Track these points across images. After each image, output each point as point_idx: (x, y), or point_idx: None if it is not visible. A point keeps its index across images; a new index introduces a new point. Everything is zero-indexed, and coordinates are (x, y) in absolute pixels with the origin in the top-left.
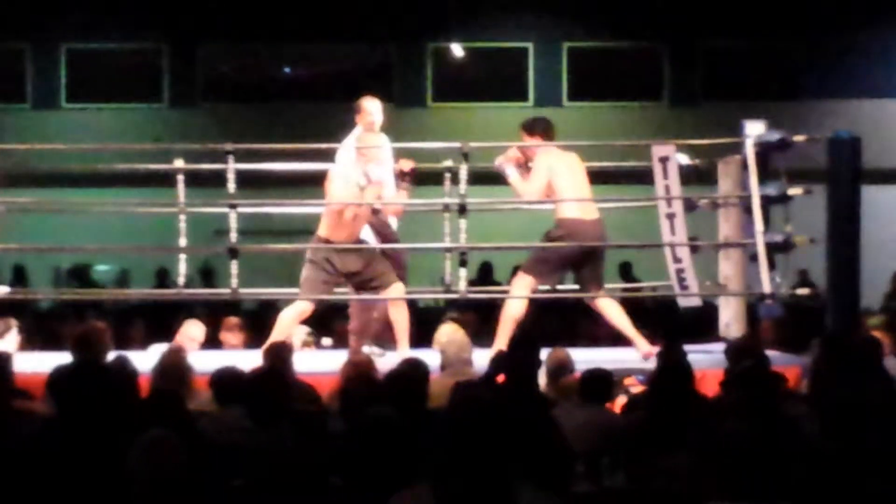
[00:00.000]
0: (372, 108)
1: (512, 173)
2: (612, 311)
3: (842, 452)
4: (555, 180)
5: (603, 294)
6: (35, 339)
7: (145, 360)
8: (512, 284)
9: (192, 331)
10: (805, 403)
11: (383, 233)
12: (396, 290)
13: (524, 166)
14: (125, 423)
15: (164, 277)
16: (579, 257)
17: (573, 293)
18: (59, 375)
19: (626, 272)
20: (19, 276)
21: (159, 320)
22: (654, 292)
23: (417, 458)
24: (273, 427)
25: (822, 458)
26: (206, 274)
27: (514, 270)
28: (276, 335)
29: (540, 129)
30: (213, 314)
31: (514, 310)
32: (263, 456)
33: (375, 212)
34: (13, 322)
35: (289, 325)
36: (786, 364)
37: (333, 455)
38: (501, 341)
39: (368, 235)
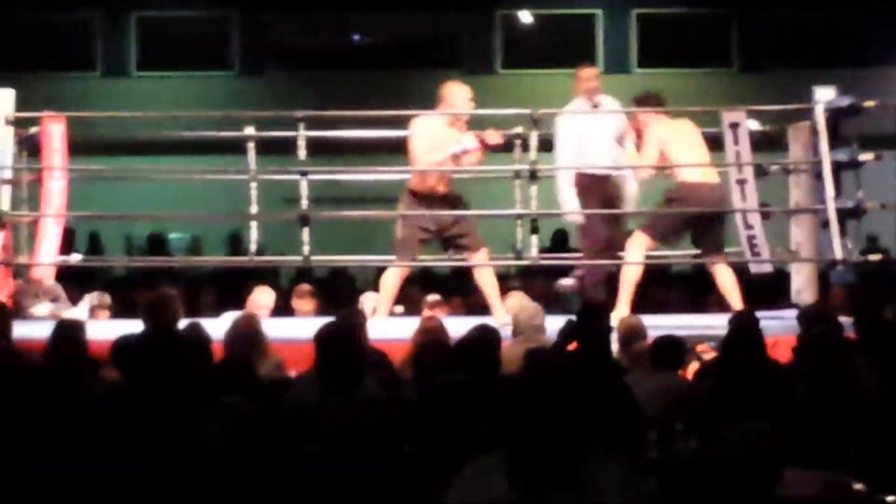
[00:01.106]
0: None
1: (631, 150)
2: (723, 278)
3: None
4: (667, 149)
5: (721, 259)
6: (112, 307)
7: (217, 327)
8: (628, 245)
9: (261, 298)
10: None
11: None
12: (483, 254)
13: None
14: (198, 390)
15: (236, 244)
16: (700, 221)
17: (691, 258)
18: (124, 344)
19: None
20: (94, 244)
21: (231, 287)
22: (725, 258)
23: (490, 426)
24: (346, 394)
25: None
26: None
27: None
28: (382, 300)
29: (652, 103)
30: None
31: (632, 272)
32: (336, 422)
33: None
34: (105, 297)
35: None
36: None
37: (406, 422)
38: (623, 305)
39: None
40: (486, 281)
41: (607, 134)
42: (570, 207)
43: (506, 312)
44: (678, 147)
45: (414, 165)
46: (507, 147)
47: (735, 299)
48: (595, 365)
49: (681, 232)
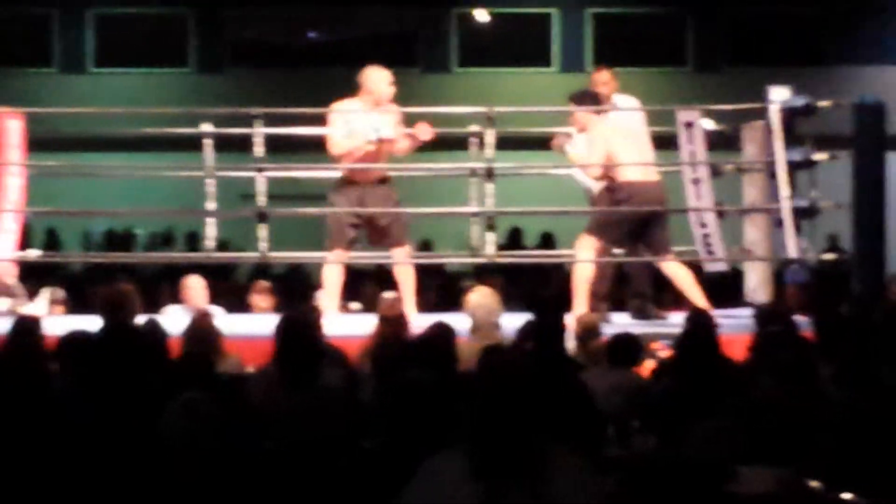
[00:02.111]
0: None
1: (570, 150)
2: (679, 275)
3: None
4: (612, 148)
5: (670, 258)
6: (68, 303)
7: (168, 322)
8: (576, 247)
9: (194, 282)
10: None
11: None
12: (406, 251)
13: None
14: (156, 386)
15: (195, 241)
16: (642, 220)
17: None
18: (71, 339)
19: None
20: (51, 240)
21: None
22: (680, 257)
23: (449, 422)
24: (304, 388)
25: (848, 419)
26: (165, 240)
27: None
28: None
29: (589, 101)
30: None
31: (583, 272)
32: (295, 418)
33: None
34: (58, 292)
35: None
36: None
37: (364, 418)
38: (580, 305)
39: None
40: (405, 279)
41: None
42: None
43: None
44: (621, 145)
45: (330, 152)
46: (462, 144)
47: (696, 295)
48: (551, 362)
49: (627, 232)
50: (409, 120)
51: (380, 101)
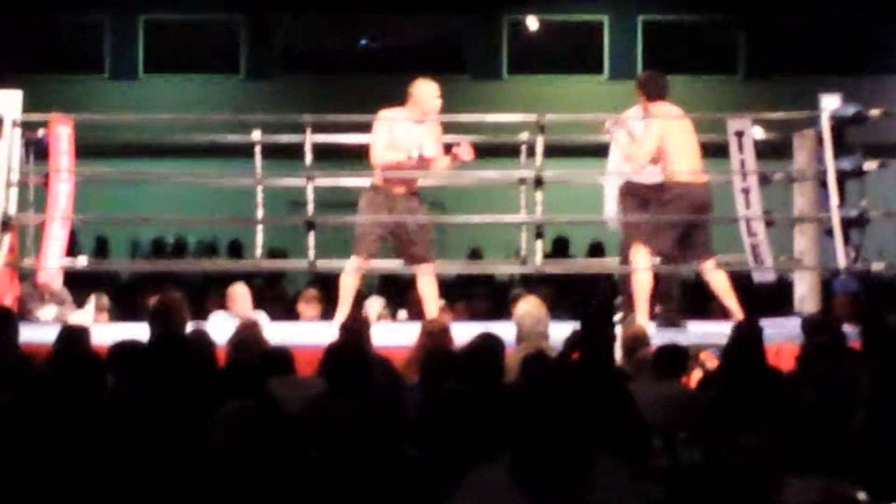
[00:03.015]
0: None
1: (621, 137)
2: (719, 282)
3: None
4: (666, 144)
5: (712, 263)
6: (116, 311)
7: (214, 330)
8: (632, 258)
9: (238, 289)
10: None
11: None
12: (430, 266)
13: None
14: (203, 394)
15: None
16: (688, 223)
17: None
18: (123, 349)
19: None
20: (101, 247)
21: None
22: (728, 266)
23: (494, 433)
24: (350, 398)
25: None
26: (213, 247)
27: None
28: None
29: (654, 85)
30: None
31: (643, 284)
32: (340, 427)
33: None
34: (103, 298)
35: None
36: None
37: (410, 426)
38: (641, 315)
39: None
40: (429, 292)
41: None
42: (610, 212)
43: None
44: (675, 143)
45: (371, 160)
46: (512, 152)
47: (732, 303)
48: (598, 372)
49: (676, 236)
50: (460, 128)
51: (426, 114)
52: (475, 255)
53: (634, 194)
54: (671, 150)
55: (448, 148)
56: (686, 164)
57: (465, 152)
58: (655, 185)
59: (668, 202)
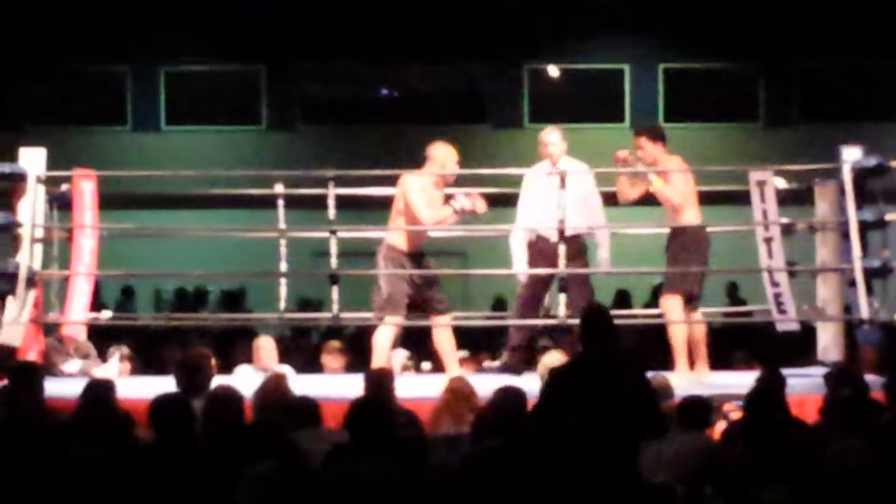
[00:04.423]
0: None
1: (655, 179)
2: (699, 330)
3: None
4: (687, 190)
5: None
6: (141, 363)
7: (240, 383)
8: (665, 308)
9: (265, 342)
10: None
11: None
12: (448, 318)
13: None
14: (230, 452)
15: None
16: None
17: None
18: (159, 405)
19: (732, 293)
20: (127, 296)
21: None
22: (751, 317)
23: (520, 488)
24: (375, 454)
25: None
26: (237, 298)
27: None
28: (377, 360)
29: (659, 135)
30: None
31: (682, 334)
32: (366, 484)
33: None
34: (123, 349)
35: (387, 347)
36: None
37: (436, 483)
38: (682, 368)
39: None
40: (446, 343)
41: (569, 198)
42: (519, 266)
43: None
44: (692, 190)
45: (416, 222)
46: None
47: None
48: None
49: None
50: (481, 179)
51: (448, 179)
52: (499, 305)
53: (539, 250)
54: (691, 197)
55: (447, 199)
56: (695, 208)
57: (482, 206)
58: (676, 230)
59: (691, 246)
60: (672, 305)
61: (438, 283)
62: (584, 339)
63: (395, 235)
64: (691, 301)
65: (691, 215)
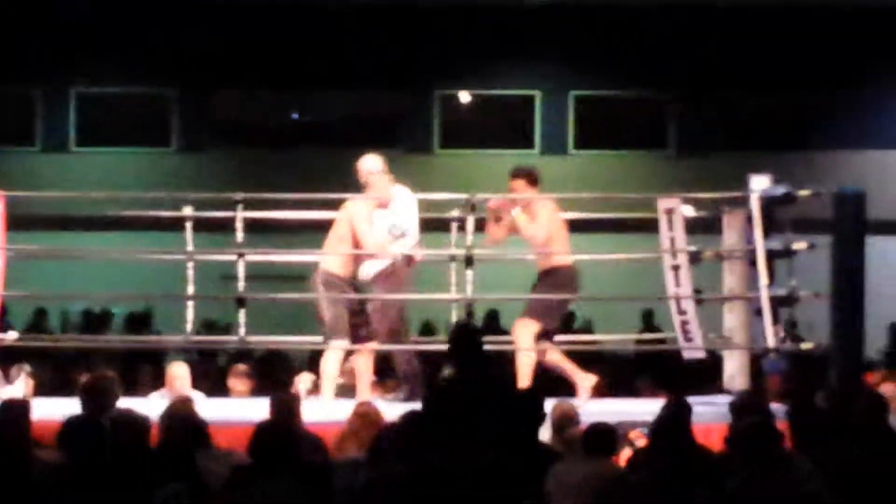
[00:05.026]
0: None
1: (519, 215)
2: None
3: None
4: (554, 229)
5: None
6: (47, 383)
7: (151, 407)
8: (517, 333)
9: (178, 370)
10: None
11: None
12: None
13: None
14: (137, 475)
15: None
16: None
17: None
18: (69, 427)
19: (647, 320)
20: (40, 318)
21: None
22: (658, 345)
23: None
24: (280, 478)
25: None
26: (144, 319)
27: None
28: (325, 386)
29: (537, 179)
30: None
31: (529, 360)
32: None
33: (409, 262)
34: (25, 367)
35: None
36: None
37: None
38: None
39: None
40: (364, 367)
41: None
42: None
43: None
44: (560, 228)
45: (363, 249)
46: (444, 226)
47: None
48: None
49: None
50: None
51: (385, 203)
52: (428, 329)
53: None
54: (559, 235)
55: None
56: (566, 248)
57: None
58: (547, 269)
59: (563, 285)
60: (526, 333)
61: (370, 309)
62: (454, 357)
63: (332, 261)
64: (545, 336)
65: (560, 254)
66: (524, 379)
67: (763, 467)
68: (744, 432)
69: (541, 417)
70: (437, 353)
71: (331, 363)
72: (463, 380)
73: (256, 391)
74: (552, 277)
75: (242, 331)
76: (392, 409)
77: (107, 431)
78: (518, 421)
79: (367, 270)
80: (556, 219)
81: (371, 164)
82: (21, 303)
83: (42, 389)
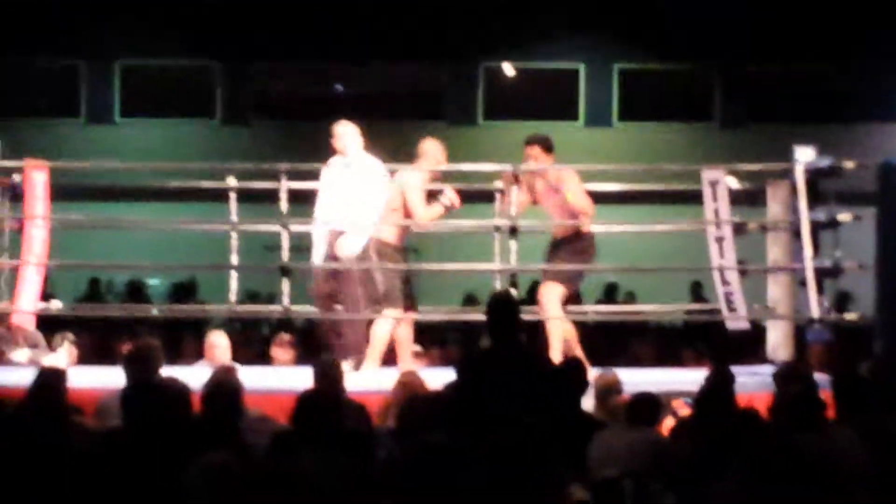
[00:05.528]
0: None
1: (568, 193)
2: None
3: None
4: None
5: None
6: (89, 353)
7: (196, 376)
8: (546, 299)
9: (217, 340)
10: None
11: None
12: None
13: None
14: (179, 443)
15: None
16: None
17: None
18: (126, 394)
19: (696, 291)
20: (94, 289)
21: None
22: (703, 315)
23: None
24: (323, 448)
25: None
26: (188, 290)
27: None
28: (374, 353)
29: (552, 146)
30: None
31: (558, 327)
32: (314, 478)
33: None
34: (68, 336)
35: (385, 341)
36: None
37: (384, 477)
38: (556, 354)
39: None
40: (406, 338)
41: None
42: (316, 260)
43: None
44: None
45: (413, 219)
46: (489, 198)
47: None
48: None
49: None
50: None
51: (437, 174)
52: (470, 300)
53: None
54: (588, 200)
55: (430, 196)
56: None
57: (456, 201)
58: (570, 235)
59: (586, 251)
60: (555, 298)
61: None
62: (490, 328)
63: (386, 230)
64: (572, 301)
65: (587, 223)
66: (555, 345)
67: (808, 435)
68: (789, 400)
69: (583, 386)
70: (478, 322)
71: (384, 330)
72: (499, 351)
73: (299, 360)
74: (578, 243)
75: (286, 300)
76: (435, 379)
77: (153, 399)
78: (560, 390)
79: (348, 248)
80: (582, 187)
81: (341, 130)
82: (73, 272)
83: (85, 359)
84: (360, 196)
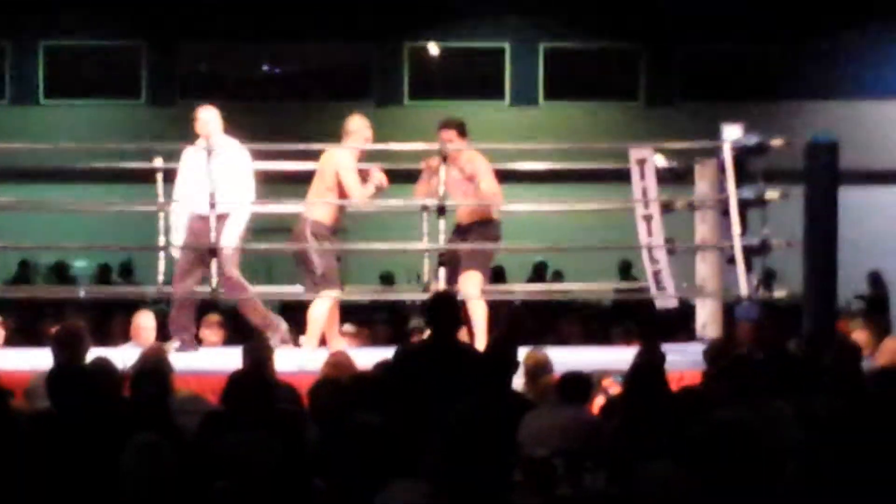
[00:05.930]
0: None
1: (482, 181)
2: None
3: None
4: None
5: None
6: (17, 335)
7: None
8: (465, 285)
9: (144, 321)
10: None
11: None
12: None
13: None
14: (111, 424)
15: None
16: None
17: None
18: (52, 376)
19: (625, 270)
20: (23, 271)
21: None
22: (631, 294)
23: (403, 457)
24: (254, 428)
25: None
26: (126, 270)
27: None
28: (312, 333)
29: (466, 130)
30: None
31: (482, 311)
32: (245, 458)
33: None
34: None
35: (323, 321)
36: None
37: (315, 458)
38: (480, 340)
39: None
40: (332, 318)
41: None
42: (176, 241)
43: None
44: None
45: (349, 199)
46: (416, 178)
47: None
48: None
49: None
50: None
51: (363, 152)
52: (386, 280)
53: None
54: (496, 186)
55: (364, 174)
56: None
57: (384, 180)
58: (479, 220)
59: (497, 237)
60: (474, 285)
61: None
62: (430, 323)
63: (320, 211)
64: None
65: (496, 211)
66: (480, 330)
67: (738, 410)
68: (719, 376)
69: (513, 366)
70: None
71: (321, 311)
72: (437, 348)
73: (228, 341)
74: (487, 229)
75: (214, 281)
76: (364, 359)
77: (83, 380)
78: (490, 369)
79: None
80: (491, 172)
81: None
82: (2, 254)
83: (13, 340)
84: (228, 181)
